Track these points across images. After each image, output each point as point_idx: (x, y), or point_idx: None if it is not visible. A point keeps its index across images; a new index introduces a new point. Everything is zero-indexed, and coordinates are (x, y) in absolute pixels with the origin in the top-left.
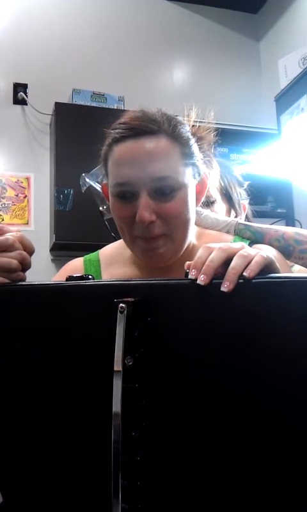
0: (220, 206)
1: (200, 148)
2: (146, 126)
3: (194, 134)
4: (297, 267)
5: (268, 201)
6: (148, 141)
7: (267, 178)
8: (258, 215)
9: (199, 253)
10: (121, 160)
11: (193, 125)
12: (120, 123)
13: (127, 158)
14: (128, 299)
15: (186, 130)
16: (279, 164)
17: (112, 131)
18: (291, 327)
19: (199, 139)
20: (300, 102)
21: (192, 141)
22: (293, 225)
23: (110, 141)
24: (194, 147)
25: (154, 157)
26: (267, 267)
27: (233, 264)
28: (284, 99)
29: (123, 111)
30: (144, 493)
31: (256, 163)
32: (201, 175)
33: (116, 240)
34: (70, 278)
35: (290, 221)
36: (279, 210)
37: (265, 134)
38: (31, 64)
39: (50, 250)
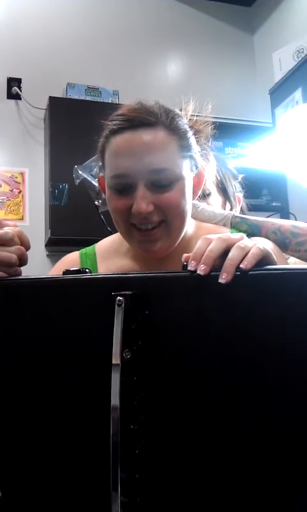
0: (215, 198)
1: (197, 141)
2: (144, 118)
3: (191, 127)
4: (292, 259)
5: (263, 194)
6: (145, 132)
7: (262, 171)
8: (253, 208)
9: (198, 245)
10: (118, 151)
11: (191, 118)
12: (118, 115)
13: (125, 150)
14: (126, 292)
15: (184, 122)
16: (274, 158)
17: (109, 123)
18: (289, 318)
19: (196, 132)
20: (294, 95)
21: (190, 134)
22: (288, 218)
23: (108, 132)
24: (192, 140)
25: (151, 148)
26: (264, 259)
27: (230, 255)
28: (279, 92)
29: (118, 104)
30: (143, 486)
31: (250, 156)
32: (199, 167)
33: (112, 234)
34: (67, 272)
35: (285, 214)
36: (274, 204)
37: (259, 127)
38: (24, 59)
39: (46, 245)
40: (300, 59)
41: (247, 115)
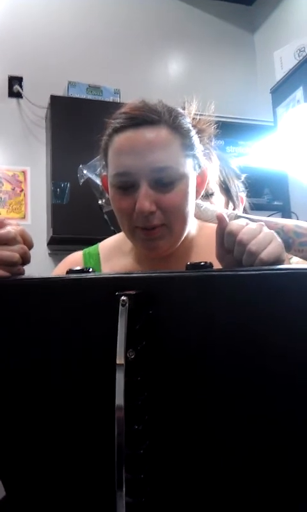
0: (218, 198)
1: (200, 141)
2: (146, 116)
3: (194, 126)
4: (295, 259)
5: (264, 193)
6: (148, 131)
7: (263, 170)
8: (255, 207)
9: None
10: (121, 150)
11: (194, 118)
12: (121, 113)
13: (127, 148)
14: (130, 292)
15: (187, 121)
16: (275, 157)
17: (112, 121)
18: (293, 319)
19: (199, 132)
20: (296, 94)
21: (193, 133)
22: (290, 217)
23: (111, 131)
24: (195, 139)
25: (154, 147)
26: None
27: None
28: (280, 91)
29: (119, 103)
30: (147, 486)
31: (252, 156)
32: (202, 167)
33: (116, 233)
34: (70, 272)
35: (286, 213)
36: (275, 203)
37: (261, 127)
38: (26, 57)
39: (48, 244)
40: (301, 58)
41: (249, 114)
